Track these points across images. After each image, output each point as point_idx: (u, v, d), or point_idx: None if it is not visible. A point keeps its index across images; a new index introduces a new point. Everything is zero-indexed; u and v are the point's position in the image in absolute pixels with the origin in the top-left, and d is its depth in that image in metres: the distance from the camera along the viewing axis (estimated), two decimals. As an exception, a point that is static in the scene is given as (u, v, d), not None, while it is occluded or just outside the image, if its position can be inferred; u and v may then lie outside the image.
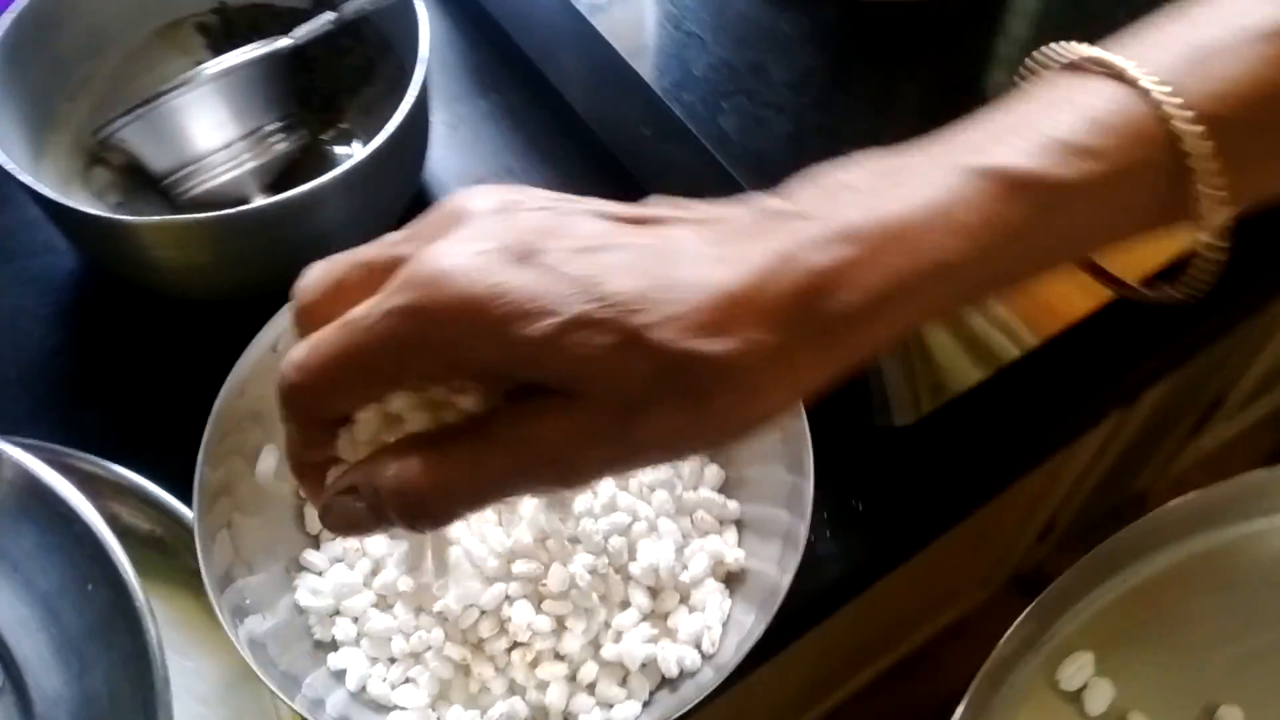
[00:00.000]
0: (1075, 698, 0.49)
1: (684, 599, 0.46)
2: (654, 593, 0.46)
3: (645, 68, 0.50)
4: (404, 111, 0.51)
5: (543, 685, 0.44)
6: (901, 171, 0.28)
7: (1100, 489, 1.07)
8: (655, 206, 0.29)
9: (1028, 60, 0.30)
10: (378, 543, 0.46)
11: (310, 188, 0.49)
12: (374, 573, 0.46)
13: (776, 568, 0.44)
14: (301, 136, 0.57)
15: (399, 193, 0.56)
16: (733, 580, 0.47)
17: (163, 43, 0.59)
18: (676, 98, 0.48)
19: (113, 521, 0.41)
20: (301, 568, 0.47)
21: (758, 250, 0.27)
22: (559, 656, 0.45)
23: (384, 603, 0.46)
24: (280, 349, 0.47)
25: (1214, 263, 0.30)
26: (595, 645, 0.45)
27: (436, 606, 0.44)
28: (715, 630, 0.45)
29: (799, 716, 1.10)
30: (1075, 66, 0.29)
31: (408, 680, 0.45)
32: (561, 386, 0.27)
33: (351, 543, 0.47)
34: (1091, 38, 0.29)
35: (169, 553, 0.49)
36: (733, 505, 0.48)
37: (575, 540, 0.45)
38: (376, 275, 0.28)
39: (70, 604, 0.39)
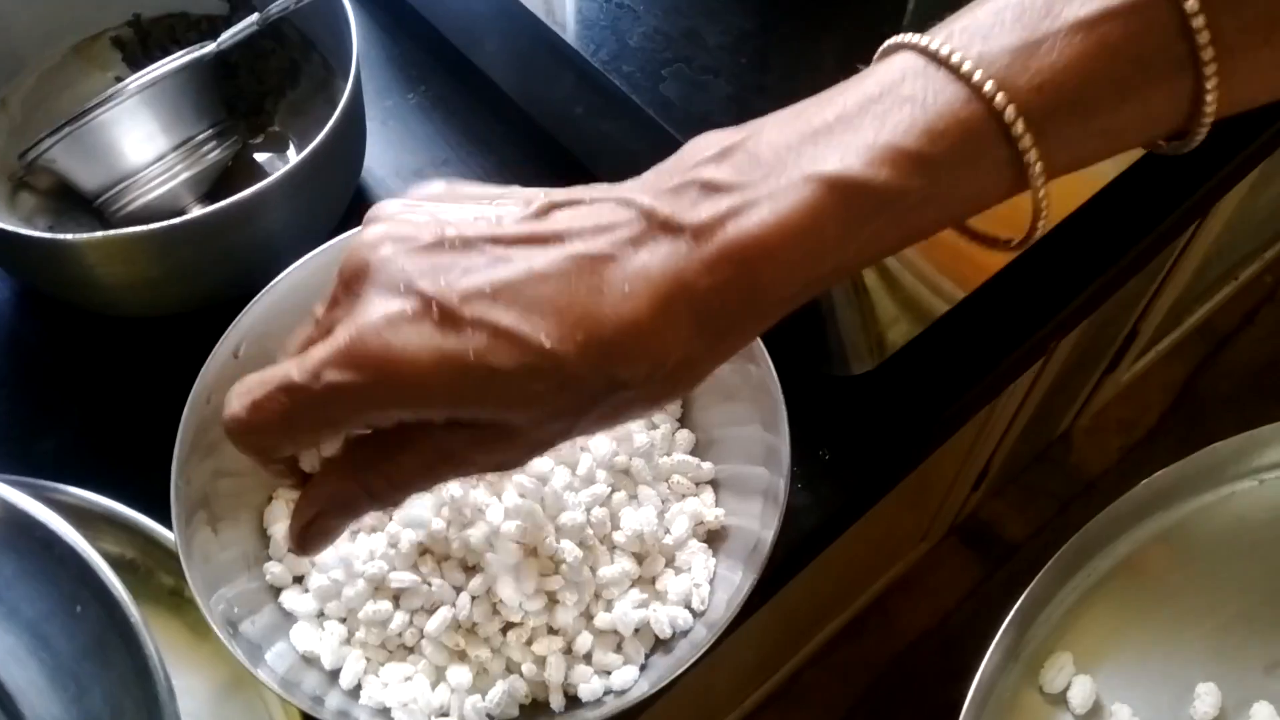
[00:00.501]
0: (1060, 699, 0.50)
1: (669, 562, 0.47)
2: (639, 558, 0.46)
3: (580, 44, 0.50)
4: (341, 109, 0.50)
5: (540, 660, 0.44)
6: (762, 174, 0.30)
7: (1027, 431, 1.11)
8: (551, 213, 0.31)
9: (882, 48, 0.32)
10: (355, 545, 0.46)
11: (253, 192, 0.49)
12: (354, 569, 0.46)
13: (758, 523, 0.45)
14: (233, 143, 0.57)
15: (340, 193, 0.56)
16: (714, 539, 0.47)
17: (79, 60, 0.58)
18: (616, 70, 0.49)
19: (84, 547, 0.40)
20: (280, 573, 0.47)
21: (655, 274, 0.29)
22: (553, 631, 0.45)
23: (373, 597, 0.45)
24: (241, 355, 0.47)
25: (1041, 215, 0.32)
26: (588, 616, 0.45)
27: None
28: (704, 588, 0.46)
29: (762, 680, 1.12)
30: (915, 52, 0.30)
31: (407, 679, 0.45)
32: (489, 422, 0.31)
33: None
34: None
35: (141, 574, 0.48)
36: (707, 466, 0.48)
37: (558, 517, 0.46)
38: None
39: (59, 628, 0.39)
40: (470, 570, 0.46)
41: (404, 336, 0.29)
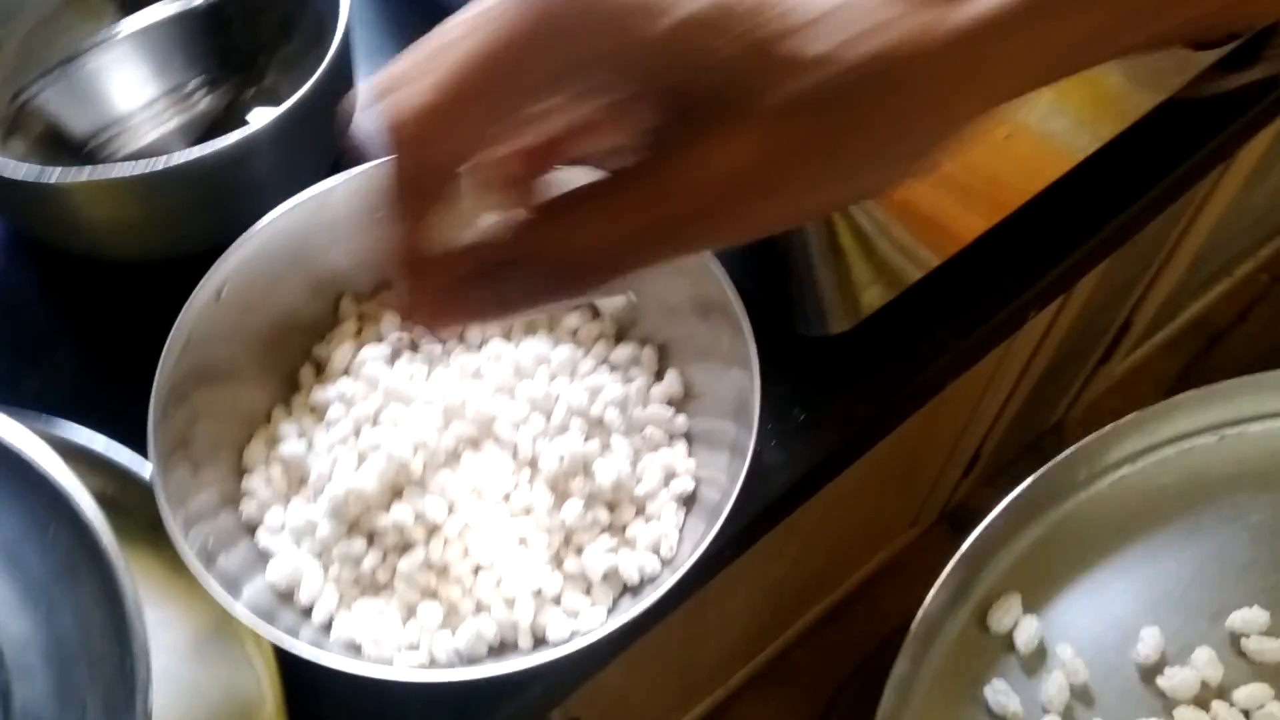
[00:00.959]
0: (1007, 639, 0.51)
1: (640, 511, 0.47)
2: (611, 506, 0.47)
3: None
4: (330, 57, 0.51)
5: (510, 602, 0.45)
6: None
7: (1019, 420, 1.11)
8: None
9: None
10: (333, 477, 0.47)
11: (239, 138, 0.49)
12: (331, 507, 0.46)
13: (725, 475, 0.46)
14: (224, 95, 0.57)
15: (327, 144, 0.57)
16: (685, 492, 0.48)
17: (73, 9, 0.59)
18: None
19: (63, 479, 0.41)
20: (256, 510, 0.47)
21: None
22: (523, 574, 0.46)
23: (347, 535, 0.46)
24: (225, 297, 0.47)
25: None
26: (558, 560, 0.46)
27: None
28: (672, 536, 0.46)
29: (748, 659, 1.12)
30: None
31: (378, 614, 0.45)
32: (706, 100, 0.24)
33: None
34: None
35: (121, 510, 0.48)
36: (681, 420, 0.49)
37: (533, 462, 0.46)
38: None
39: (31, 549, 0.39)
40: (447, 512, 0.46)
41: None
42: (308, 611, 0.46)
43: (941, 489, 1.18)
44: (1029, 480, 0.51)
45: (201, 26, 0.56)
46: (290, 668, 0.45)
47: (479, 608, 0.45)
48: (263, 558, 0.47)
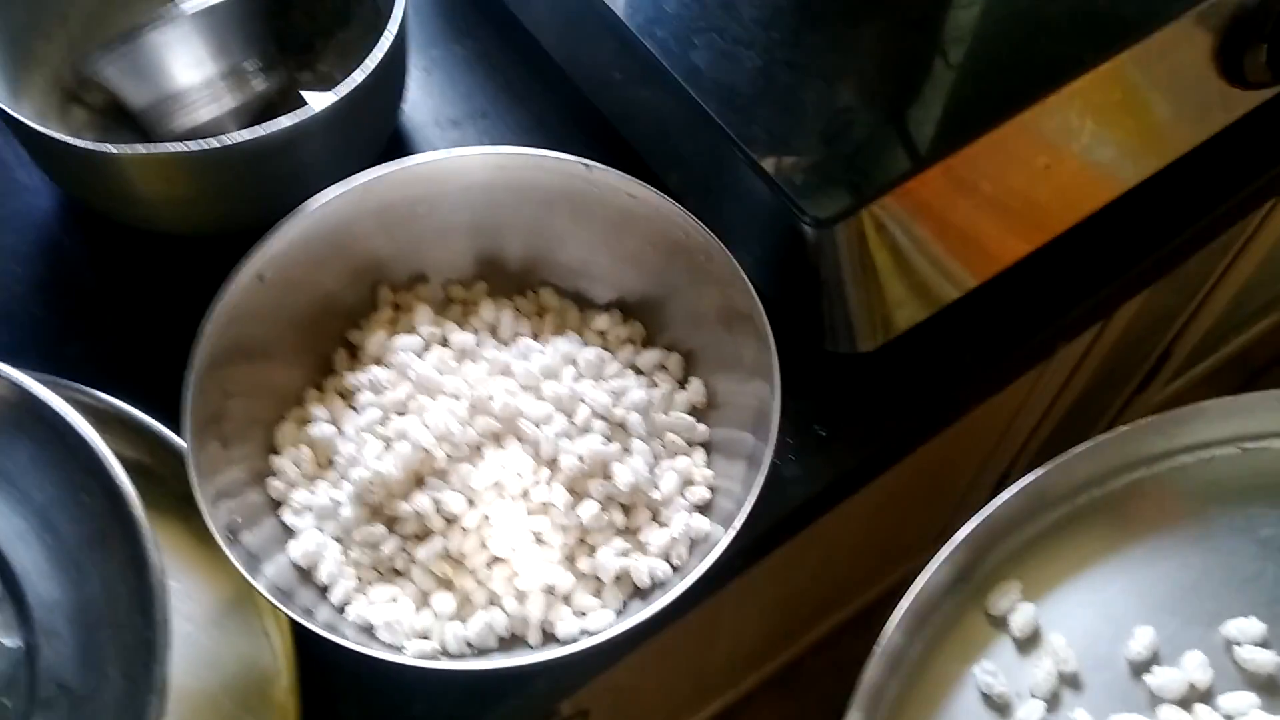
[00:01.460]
0: (1002, 622, 0.51)
1: (655, 516, 0.48)
2: (626, 509, 0.48)
3: (618, 6, 0.51)
4: (384, 48, 0.52)
5: (522, 596, 0.46)
6: None
7: (1051, 444, 1.10)
8: None
9: None
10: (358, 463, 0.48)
11: (292, 122, 0.50)
12: (355, 491, 0.47)
13: (741, 486, 0.46)
14: (279, 78, 0.58)
15: (376, 133, 0.58)
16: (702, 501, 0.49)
17: (140, -17, 0.60)
18: (649, 34, 0.50)
19: (100, 447, 0.42)
20: (283, 489, 0.49)
21: None
22: (537, 570, 0.46)
23: (369, 520, 0.47)
24: (267, 281, 0.48)
25: None
26: (571, 559, 0.47)
27: None
28: (684, 544, 0.47)
29: (761, 664, 1.13)
30: None
31: (392, 600, 0.46)
32: None
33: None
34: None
35: (155, 479, 0.50)
36: (701, 428, 0.50)
37: (553, 462, 0.47)
38: None
39: (66, 515, 0.41)
40: (467, 505, 0.47)
41: None
42: (325, 591, 0.47)
43: (968, 508, 1.17)
44: (1041, 471, 0.51)
45: (262, 9, 0.57)
46: (305, 644, 0.46)
47: (491, 600, 0.46)
48: (286, 536, 0.48)
